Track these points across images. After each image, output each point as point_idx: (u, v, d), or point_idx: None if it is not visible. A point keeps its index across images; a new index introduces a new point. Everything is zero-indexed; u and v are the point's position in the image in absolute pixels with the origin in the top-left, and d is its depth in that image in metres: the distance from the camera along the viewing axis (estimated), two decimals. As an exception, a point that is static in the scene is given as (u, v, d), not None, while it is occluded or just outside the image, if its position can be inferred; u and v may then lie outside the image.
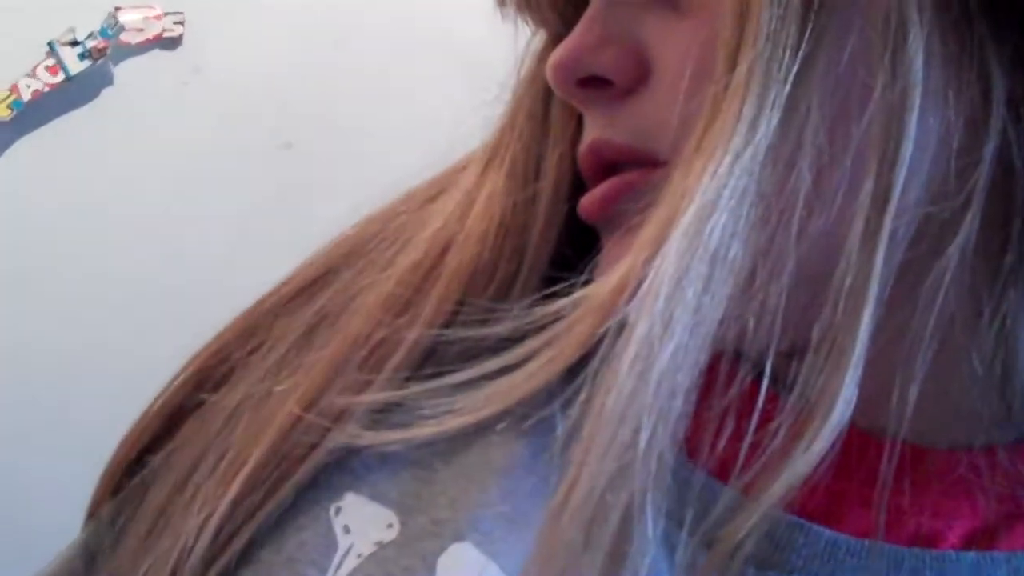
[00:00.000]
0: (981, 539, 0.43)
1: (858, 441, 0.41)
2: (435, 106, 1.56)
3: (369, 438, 0.43)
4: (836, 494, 0.42)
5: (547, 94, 0.49)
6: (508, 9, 0.50)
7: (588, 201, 0.45)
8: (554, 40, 0.49)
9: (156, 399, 0.50)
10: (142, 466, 0.49)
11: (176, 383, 0.50)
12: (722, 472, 0.41)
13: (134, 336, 1.57)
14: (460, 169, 0.51)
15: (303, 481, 0.44)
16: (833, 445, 0.37)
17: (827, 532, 0.42)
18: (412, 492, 0.44)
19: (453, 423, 0.41)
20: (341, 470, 0.45)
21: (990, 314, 0.41)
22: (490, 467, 0.43)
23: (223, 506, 0.44)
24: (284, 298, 0.49)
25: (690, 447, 0.41)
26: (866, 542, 0.41)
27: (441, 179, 0.51)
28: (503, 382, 0.40)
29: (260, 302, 0.50)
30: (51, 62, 1.53)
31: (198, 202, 1.60)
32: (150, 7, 1.57)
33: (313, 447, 0.44)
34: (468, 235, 0.47)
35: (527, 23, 0.50)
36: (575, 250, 0.46)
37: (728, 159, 0.36)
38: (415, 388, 0.43)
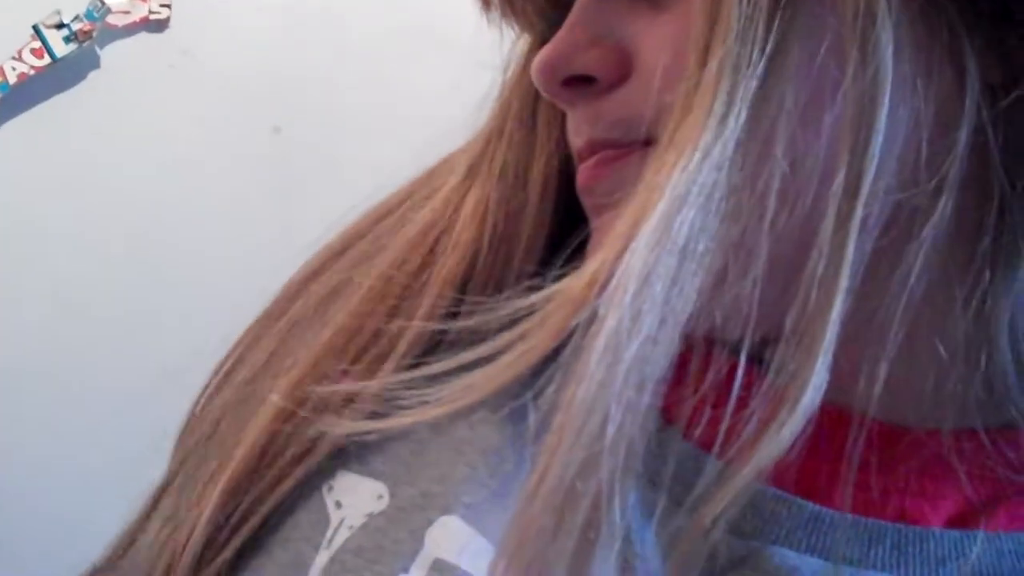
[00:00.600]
0: (965, 519, 0.44)
1: (842, 421, 0.42)
2: (426, 90, 1.56)
3: (346, 427, 0.44)
4: (823, 472, 0.43)
5: (535, 98, 0.50)
6: (493, 14, 0.50)
7: (582, 173, 0.46)
8: (539, 44, 0.49)
9: (193, 406, 0.52)
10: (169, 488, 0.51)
11: (208, 390, 0.52)
12: (703, 448, 0.42)
13: (122, 321, 1.57)
14: (444, 173, 0.51)
15: (296, 473, 0.46)
16: (805, 427, 0.38)
17: (811, 505, 0.43)
18: (401, 463, 0.45)
19: (430, 413, 0.42)
20: (334, 455, 0.46)
21: (965, 298, 0.42)
22: (479, 444, 0.45)
23: (211, 506, 0.46)
24: (272, 306, 0.51)
25: (673, 424, 0.42)
26: (849, 516, 0.42)
27: (423, 184, 0.51)
28: (478, 374, 0.41)
29: (269, 307, 0.52)
30: (36, 45, 1.53)
31: (185, 185, 1.60)
32: (135, -11, 1.56)
33: (293, 436, 0.45)
34: (457, 241, 0.48)
35: (512, 27, 0.51)
36: (553, 252, 0.47)
37: (698, 155, 0.37)
38: (391, 379, 0.44)
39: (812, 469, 0.42)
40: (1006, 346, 0.43)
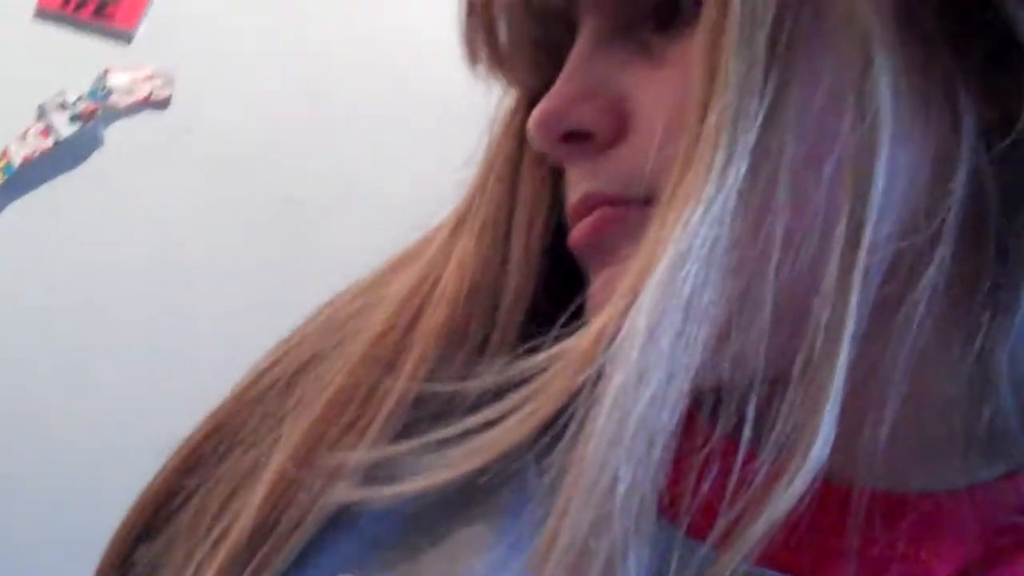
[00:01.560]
0: None
1: (837, 495, 0.42)
2: (429, 163, 1.57)
3: (362, 494, 0.43)
4: (821, 550, 0.42)
5: (517, 155, 0.50)
6: (480, 68, 0.50)
7: (579, 232, 0.46)
8: (527, 99, 0.50)
9: (148, 486, 0.51)
10: (133, 557, 0.50)
11: (164, 472, 0.51)
12: (701, 521, 0.41)
13: (127, 396, 1.57)
14: (430, 237, 0.51)
15: (302, 547, 0.45)
16: (810, 490, 0.38)
17: None
18: (409, 547, 0.45)
19: (439, 477, 0.42)
20: (338, 536, 0.46)
21: (966, 343, 0.42)
22: (489, 521, 0.44)
23: None
24: (256, 381, 0.51)
25: (666, 502, 0.41)
26: None
27: (419, 247, 0.52)
28: (486, 436, 0.40)
29: (238, 389, 0.51)
30: (42, 125, 1.54)
31: (189, 262, 1.61)
32: (139, 68, 1.58)
33: (305, 510, 0.45)
34: (440, 299, 0.48)
35: (500, 81, 0.51)
36: (552, 303, 0.47)
37: (700, 209, 0.37)
38: (403, 446, 0.43)
39: (813, 545, 0.42)
40: (1007, 391, 0.43)
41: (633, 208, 0.43)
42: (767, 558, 0.40)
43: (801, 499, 0.37)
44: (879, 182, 0.38)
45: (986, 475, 0.44)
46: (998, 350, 0.42)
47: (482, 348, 0.47)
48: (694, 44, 0.39)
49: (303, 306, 0.53)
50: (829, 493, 0.40)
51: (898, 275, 0.40)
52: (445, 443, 0.42)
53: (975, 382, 0.42)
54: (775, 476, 0.38)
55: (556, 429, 0.38)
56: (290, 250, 1.61)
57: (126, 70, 1.58)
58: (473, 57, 0.50)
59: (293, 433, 0.47)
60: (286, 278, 1.58)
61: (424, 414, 0.45)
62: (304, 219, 1.62)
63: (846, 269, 0.38)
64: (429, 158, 1.52)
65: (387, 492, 0.43)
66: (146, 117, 1.61)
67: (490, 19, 0.48)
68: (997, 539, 0.43)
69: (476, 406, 0.42)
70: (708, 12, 0.39)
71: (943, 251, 0.40)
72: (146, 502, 0.50)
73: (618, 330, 0.37)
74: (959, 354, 0.42)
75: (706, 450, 0.39)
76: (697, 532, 0.40)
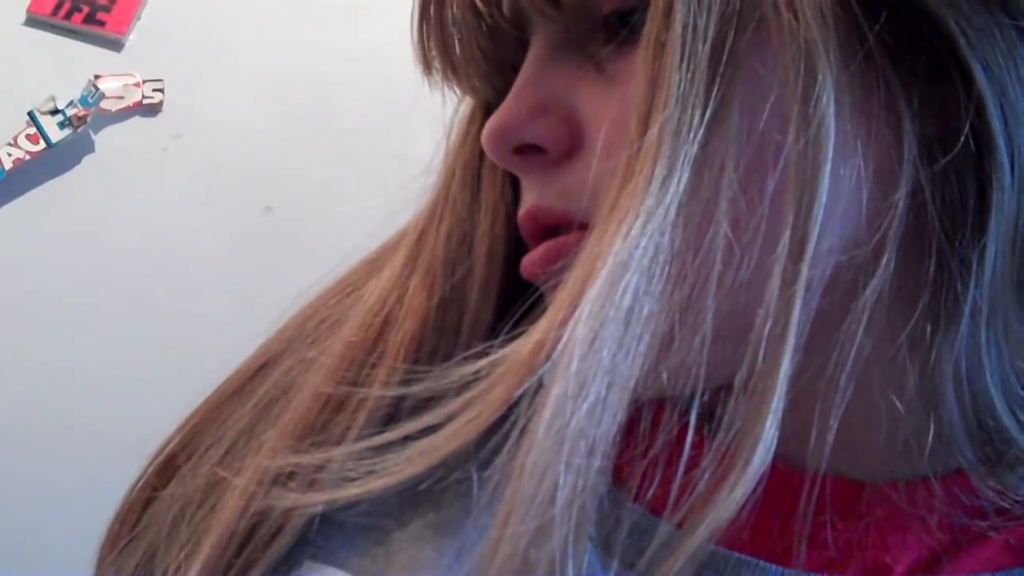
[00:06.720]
0: (927, 567, 0.44)
1: (791, 480, 0.42)
2: (415, 172, 1.57)
3: (293, 500, 0.43)
4: (784, 533, 0.43)
5: (478, 162, 0.50)
6: (434, 77, 0.51)
7: (528, 262, 0.46)
8: (482, 107, 0.50)
9: (125, 498, 0.51)
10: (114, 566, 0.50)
11: (140, 482, 0.51)
12: (655, 510, 0.42)
13: (118, 400, 1.57)
14: (394, 245, 0.52)
15: (265, 559, 0.45)
16: (758, 487, 0.38)
17: (774, 567, 0.43)
18: (369, 555, 0.45)
19: (377, 484, 0.41)
20: (299, 544, 0.45)
21: (911, 352, 0.42)
22: (444, 528, 0.44)
23: None
24: (230, 390, 0.51)
25: (625, 486, 0.41)
26: (812, 575, 0.43)
27: (381, 255, 0.52)
28: (425, 443, 0.40)
29: (215, 393, 0.51)
30: (32, 131, 1.55)
31: (179, 267, 1.61)
32: (130, 75, 1.59)
33: (262, 521, 0.45)
34: (409, 308, 0.48)
35: (453, 90, 0.51)
36: (500, 316, 0.47)
37: (640, 220, 0.37)
38: (338, 450, 0.43)
39: (772, 530, 0.42)
40: (952, 398, 0.43)
41: (576, 235, 0.43)
42: (724, 539, 0.41)
43: (753, 490, 0.38)
44: (822, 195, 0.38)
45: (938, 471, 0.44)
46: (943, 364, 0.42)
47: (449, 357, 0.47)
48: (638, 58, 0.40)
49: (283, 312, 0.53)
50: (783, 478, 0.41)
51: (840, 287, 0.40)
52: (382, 448, 0.42)
53: (922, 389, 0.43)
54: (719, 480, 0.38)
55: (499, 437, 0.38)
56: (271, 257, 1.61)
57: (116, 76, 1.58)
58: (427, 66, 0.50)
59: (264, 444, 0.47)
60: (268, 284, 1.58)
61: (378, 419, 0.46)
62: (285, 228, 1.62)
63: (788, 281, 0.38)
64: (414, 172, 1.52)
65: (321, 498, 0.43)
66: (137, 122, 1.61)
67: (442, 30, 0.48)
68: (952, 532, 0.44)
69: (416, 411, 0.42)
70: (651, 26, 0.39)
71: (885, 264, 0.40)
72: (123, 514, 0.50)
73: (558, 339, 0.37)
74: (903, 366, 0.42)
75: (656, 448, 0.39)
76: (655, 510, 0.41)
